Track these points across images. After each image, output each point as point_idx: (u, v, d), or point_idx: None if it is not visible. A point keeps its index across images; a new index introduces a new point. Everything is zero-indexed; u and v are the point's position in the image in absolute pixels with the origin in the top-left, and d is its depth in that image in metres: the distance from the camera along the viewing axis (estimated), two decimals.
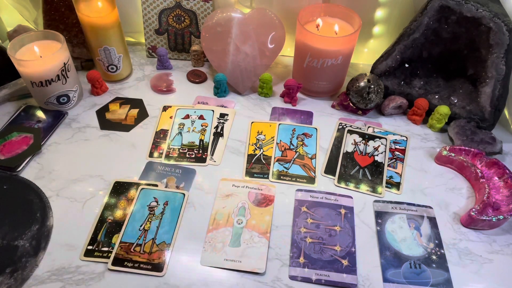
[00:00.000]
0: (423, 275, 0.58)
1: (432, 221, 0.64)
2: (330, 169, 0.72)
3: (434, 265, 0.59)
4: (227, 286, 0.56)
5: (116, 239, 0.60)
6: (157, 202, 0.65)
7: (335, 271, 0.58)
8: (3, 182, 0.66)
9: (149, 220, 0.62)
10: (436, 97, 0.80)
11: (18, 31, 0.82)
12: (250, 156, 0.73)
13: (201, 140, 0.75)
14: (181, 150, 0.74)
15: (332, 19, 0.82)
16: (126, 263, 0.57)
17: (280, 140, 0.76)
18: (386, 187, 0.69)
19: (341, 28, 0.79)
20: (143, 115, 0.80)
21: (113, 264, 0.57)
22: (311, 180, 0.70)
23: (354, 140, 0.76)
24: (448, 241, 0.62)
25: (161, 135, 0.76)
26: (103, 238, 0.60)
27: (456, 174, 0.72)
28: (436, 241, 0.62)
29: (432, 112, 0.78)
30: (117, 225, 0.62)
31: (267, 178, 0.70)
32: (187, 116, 0.80)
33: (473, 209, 0.62)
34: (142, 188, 0.66)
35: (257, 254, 0.59)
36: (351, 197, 0.67)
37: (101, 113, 0.80)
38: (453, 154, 0.71)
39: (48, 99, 0.77)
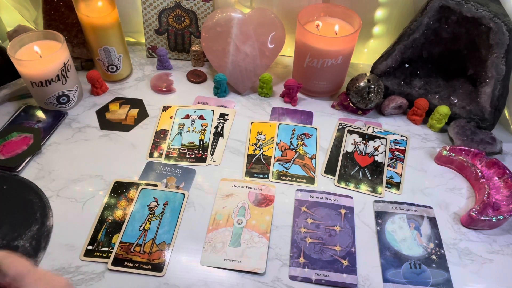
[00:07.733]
0: (423, 275, 0.58)
1: (432, 221, 0.64)
2: (330, 169, 0.72)
3: (434, 265, 0.59)
4: (227, 286, 0.56)
5: (116, 239, 0.60)
6: (157, 202, 0.65)
7: (335, 271, 0.58)
8: (3, 182, 0.66)
9: (149, 220, 0.62)
10: (436, 97, 0.80)
11: (18, 31, 0.82)
12: (250, 156, 0.73)
13: (201, 140, 0.75)
14: (181, 150, 0.73)
15: (332, 19, 0.82)
16: (126, 263, 0.57)
17: (280, 140, 0.76)
18: (386, 187, 0.69)
19: (341, 28, 0.79)
20: (143, 115, 0.80)
21: (113, 264, 0.57)
22: (311, 180, 0.70)
23: (354, 140, 0.76)
24: (448, 241, 0.62)
25: (161, 135, 0.76)
26: (103, 238, 0.60)
27: (456, 174, 0.72)
28: (436, 241, 0.62)
29: (432, 112, 0.78)
30: (117, 225, 0.62)
31: (267, 178, 0.70)
32: (187, 116, 0.80)
33: (473, 209, 0.62)
34: (142, 188, 0.66)
35: (257, 254, 0.59)
36: (351, 197, 0.67)
37: (101, 113, 0.80)
38: (453, 154, 0.71)
39: (48, 99, 0.77)
